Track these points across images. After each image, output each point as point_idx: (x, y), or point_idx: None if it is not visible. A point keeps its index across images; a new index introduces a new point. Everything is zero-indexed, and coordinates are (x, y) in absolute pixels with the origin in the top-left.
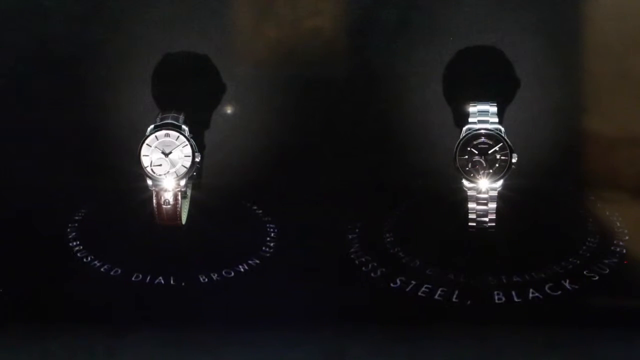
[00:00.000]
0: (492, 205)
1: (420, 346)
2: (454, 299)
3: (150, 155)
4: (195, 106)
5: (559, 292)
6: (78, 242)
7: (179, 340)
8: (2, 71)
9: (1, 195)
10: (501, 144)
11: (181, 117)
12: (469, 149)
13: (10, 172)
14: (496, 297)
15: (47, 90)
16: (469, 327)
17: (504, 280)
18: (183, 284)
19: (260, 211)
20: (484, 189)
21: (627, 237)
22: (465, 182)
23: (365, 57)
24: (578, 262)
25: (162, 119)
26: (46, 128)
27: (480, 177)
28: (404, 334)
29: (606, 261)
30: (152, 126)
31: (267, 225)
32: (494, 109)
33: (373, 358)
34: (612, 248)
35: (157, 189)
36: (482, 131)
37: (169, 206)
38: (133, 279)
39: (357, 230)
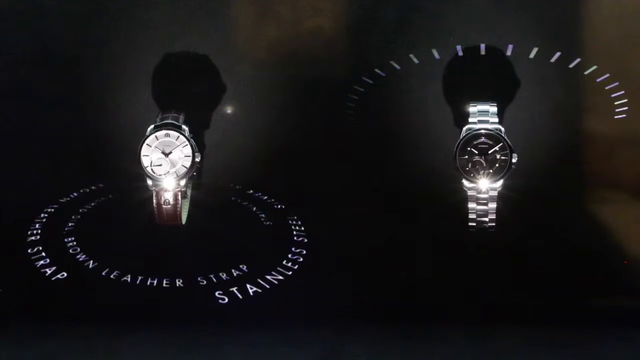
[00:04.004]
0: (492, 205)
1: (420, 346)
2: None
3: (150, 155)
4: (195, 106)
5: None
6: (78, 243)
7: (179, 340)
8: (2, 71)
9: (1, 195)
10: (501, 144)
11: (181, 117)
12: (469, 149)
13: (10, 172)
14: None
15: (47, 91)
16: (469, 327)
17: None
18: (183, 284)
19: (259, 211)
20: (484, 189)
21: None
22: (465, 182)
23: (365, 57)
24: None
25: (162, 119)
26: (46, 128)
27: (480, 177)
28: (404, 333)
29: None
30: (152, 126)
31: (267, 225)
32: (494, 109)
33: (372, 358)
34: None
35: (157, 189)
36: (482, 131)
37: (169, 206)
38: (133, 279)
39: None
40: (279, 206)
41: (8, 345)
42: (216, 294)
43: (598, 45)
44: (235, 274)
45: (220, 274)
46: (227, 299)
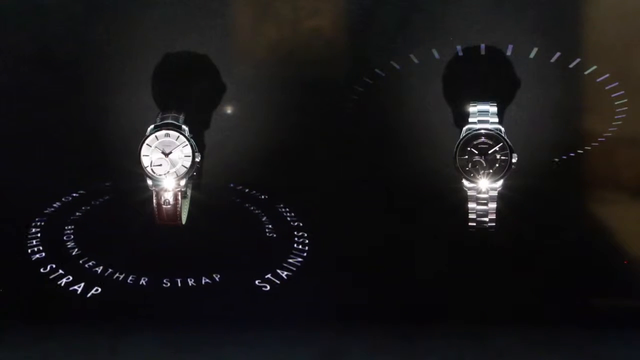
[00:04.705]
0: (492, 205)
1: (420, 346)
2: None
3: (150, 155)
4: (195, 106)
5: None
6: (78, 243)
7: (179, 340)
8: (2, 71)
9: (1, 196)
10: (501, 144)
11: (181, 117)
12: (469, 149)
13: (10, 172)
14: None
15: (47, 91)
16: (469, 327)
17: None
18: (183, 284)
19: (260, 211)
20: (484, 189)
21: None
22: (465, 182)
23: (365, 57)
24: None
25: (162, 119)
26: (46, 128)
27: (480, 177)
28: (404, 333)
29: None
30: (152, 126)
31: (266, 225)
32: (494, 109)
33: (372, 358)
34: None
35: (157, 189)
36: (482, 131)
37: (169, 206)
38: (133, 279)
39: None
40: (263, 197)
41: (8, 345)
42: (256, 282)
43: (598, 45)
44: (235, 273)
45: (222, 272)
46: (227, 299)
